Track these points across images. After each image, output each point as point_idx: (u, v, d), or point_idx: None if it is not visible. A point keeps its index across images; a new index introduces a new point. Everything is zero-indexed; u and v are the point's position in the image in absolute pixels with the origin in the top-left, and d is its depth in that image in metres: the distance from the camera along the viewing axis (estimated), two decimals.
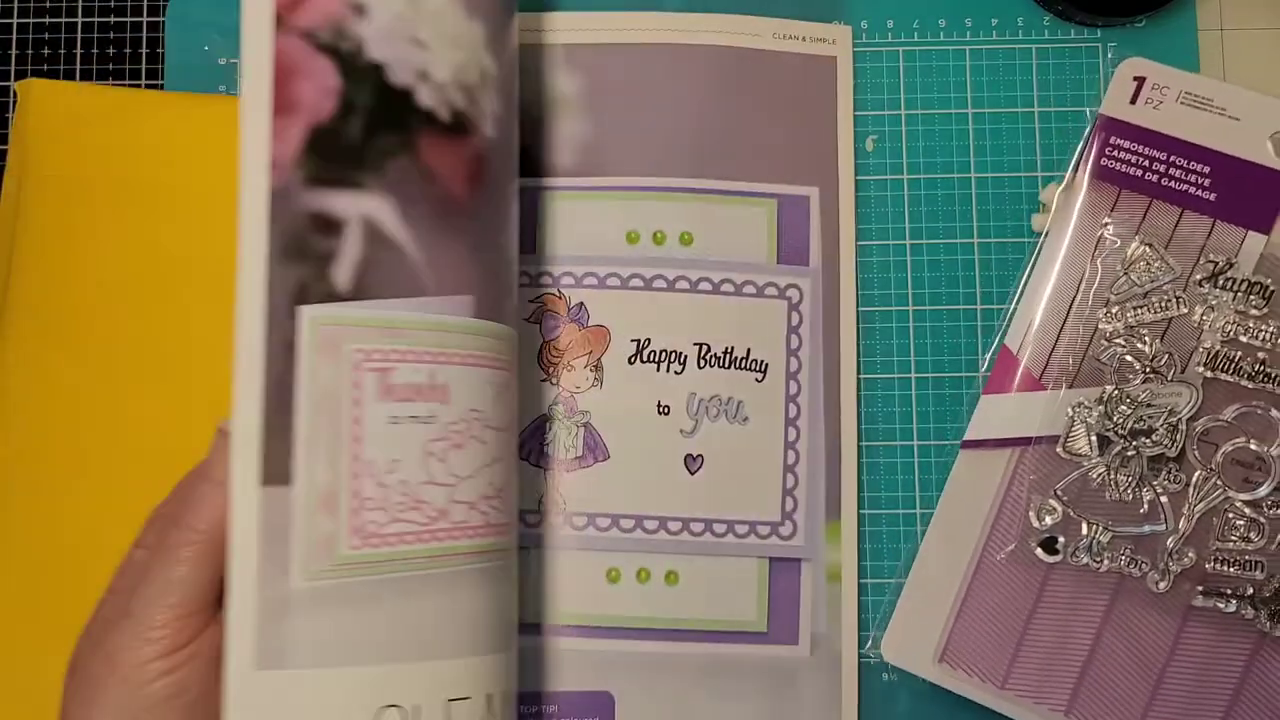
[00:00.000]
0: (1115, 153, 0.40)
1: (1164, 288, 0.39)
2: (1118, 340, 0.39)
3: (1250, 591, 0.37)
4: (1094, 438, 0.38)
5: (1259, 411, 0.38)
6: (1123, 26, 0.43)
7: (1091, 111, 0.42)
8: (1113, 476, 0.38)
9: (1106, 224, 0.40)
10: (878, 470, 0.42)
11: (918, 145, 0.43)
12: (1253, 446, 0.38)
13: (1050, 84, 0.43)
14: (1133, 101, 0.40)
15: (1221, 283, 0.38)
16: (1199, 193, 0.39)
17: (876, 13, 0.44)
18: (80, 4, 0.45)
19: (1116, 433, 0.38)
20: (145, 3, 0.46)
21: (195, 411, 0.42)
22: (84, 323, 0.42)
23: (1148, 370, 0.39)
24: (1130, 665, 0.38)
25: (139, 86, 0.46)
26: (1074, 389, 0.39)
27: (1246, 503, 0.37)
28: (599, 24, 0.43)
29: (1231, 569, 0.38)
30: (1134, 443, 0.38)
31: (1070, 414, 0.39)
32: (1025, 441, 0.39)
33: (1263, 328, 0.38)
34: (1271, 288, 0.38)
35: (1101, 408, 0.38)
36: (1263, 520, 0.37)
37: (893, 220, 0.43)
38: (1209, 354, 0.38)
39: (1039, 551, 0.38)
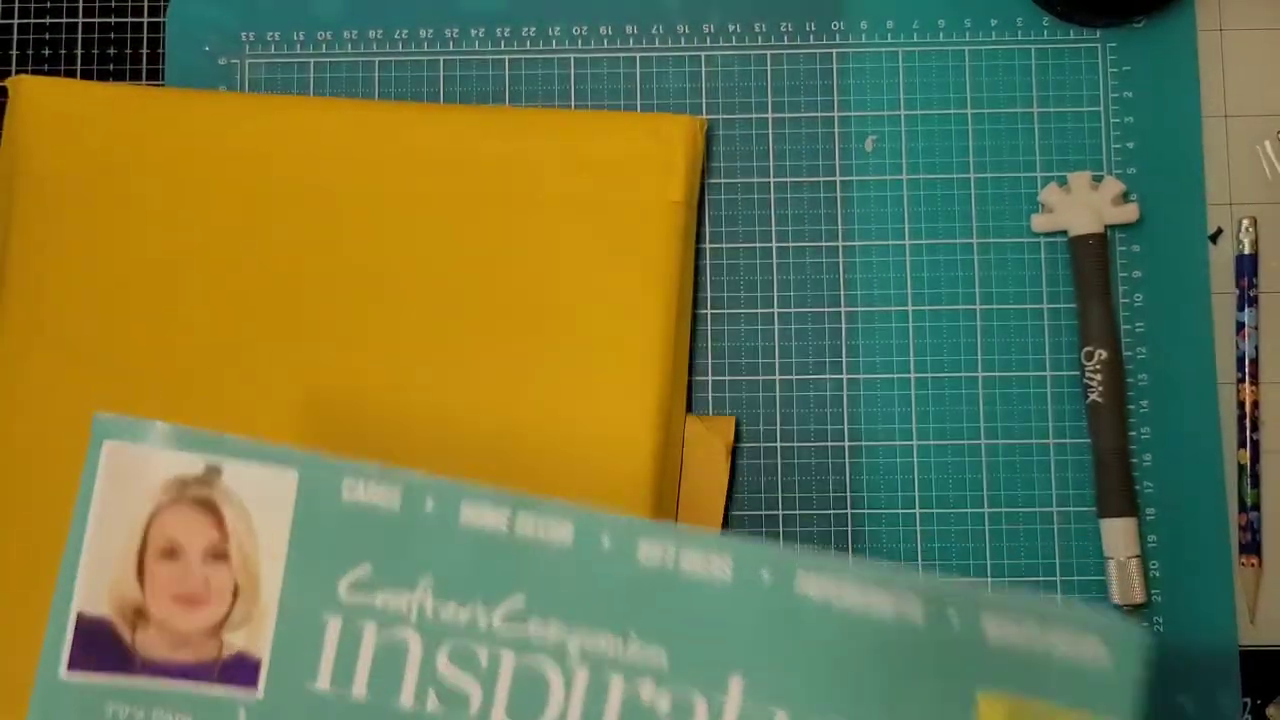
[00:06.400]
0: None
1: None
2: None
3: None
4: None
5: None
6: (1122, 27, 0.43)
7: (1091, 112, 0.42)
8: None
9: None
10: (877, 470, 0.41)
11: (917, 145, 0.43)
12: None
13: (1050, 84, 0.43)
14: None
15: None
16: None
17: (876, 13, 0.43)
18: (80, 4, 0.45)
19: None
20: (145, 3, 0.45)
21: (192, 410, 0.42)
22: (77, 321, 0.42)
23: None
24: None
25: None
26: None
27: None
28: None
29: None
30: None
31: None
32: None
33: None
34: None
35: None
36: None
37: (892, 220, 0.43)
38: None
39: None
